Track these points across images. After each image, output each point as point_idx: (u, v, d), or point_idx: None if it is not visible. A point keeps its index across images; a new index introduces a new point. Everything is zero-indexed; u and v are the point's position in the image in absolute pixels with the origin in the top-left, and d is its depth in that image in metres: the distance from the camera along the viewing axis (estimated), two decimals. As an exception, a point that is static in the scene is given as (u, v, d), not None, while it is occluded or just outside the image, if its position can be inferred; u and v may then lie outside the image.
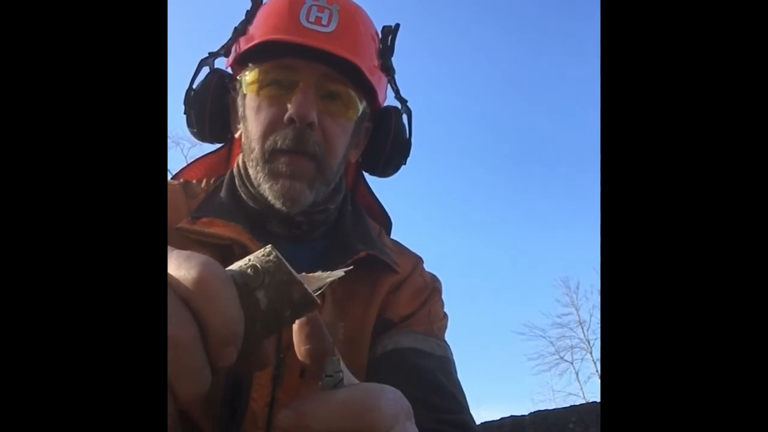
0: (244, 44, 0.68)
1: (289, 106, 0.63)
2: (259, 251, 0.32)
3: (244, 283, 0.30)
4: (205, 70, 0.74)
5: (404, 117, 0.78)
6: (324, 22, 0.65)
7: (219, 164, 0.80)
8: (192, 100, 0.72)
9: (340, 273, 0.34)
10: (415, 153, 0.79)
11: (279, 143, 0.64)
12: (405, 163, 0.79)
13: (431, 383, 0.63)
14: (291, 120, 0.63)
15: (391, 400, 0.31)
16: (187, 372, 0.28)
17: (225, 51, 0.72)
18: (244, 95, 0.68)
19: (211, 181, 0.76)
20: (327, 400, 0.30)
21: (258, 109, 0.66)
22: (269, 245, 0.32)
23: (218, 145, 0.79)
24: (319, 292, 0.33)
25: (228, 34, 0.73)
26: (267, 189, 0.65)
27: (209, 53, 0.74)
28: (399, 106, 0.78)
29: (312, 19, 0.65)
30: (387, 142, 0.76)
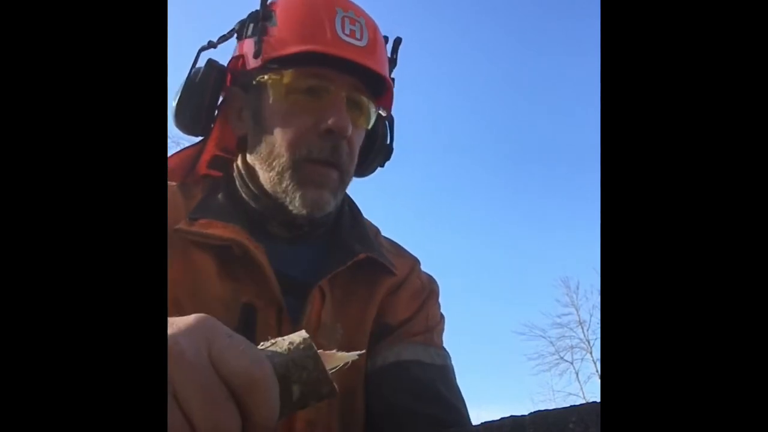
0: (274, 47, 0.67)
1: (329, 116, 0.64)
2: (296, 340, 0.34)
3: (283, 375, 0.33)
4: (194, 64, 0.73)
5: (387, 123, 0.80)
6: (358, 36, 0.66)
7: (190, 158, 0.78)
8: (190, 91, 0.71)
9: (354, 356, 0.36)
10: (414, 153, 0.81)
11: (314, 153, 0.64)
12: (383, 166, 0.82)
13: (433, 397, 0.64)
14: (329, 131, 0.63)
15: None
16: None
17: (254, 50, 0.69)
18: (264, 98, 0.67)
19: (207, 182, 0.76)
20: None
21: (286, 115, 0.65)
22: (306, 335, 0.35)
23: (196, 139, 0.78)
24: (335, 370, 0.35)
25: (227, 29, 0.73)
26: (298, 197, 0.65)
27: (208, 42, 0.73)
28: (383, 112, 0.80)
29: (347, 31, 0.66)
30: (374, 147, 0.78)
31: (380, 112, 0.72)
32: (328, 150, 0.64)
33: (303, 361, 0.33)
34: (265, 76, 0.66)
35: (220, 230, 0.64)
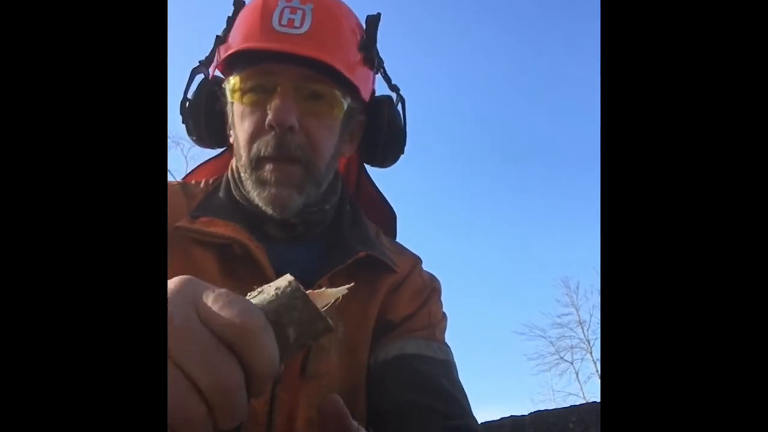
0: (222, 53, 0.68)
1: (269, 111, 0.63)
2: (282, 284, 0.34)
3: (276, 321, 0.33)
4: (199, 78, 0.74)
5: (398, 106, 0.78)
6: (297, 24, 0.65)
7: (222, 168, 0.80)
8: (187, 109, 0.73)
9: (343, 290, 0.36)
10: (415, 152, 0.79)
11: (262, 151, 0.64)
12: (403, 152, 0.79)
13: (437, 390, 0.64)
14: (271, 126, 0.63)
15: None
16: (235, 411, 0.30)
17: (207, 60, 0.72)
18: (231, 103, 0.68)
19: (210, 182, 0.76)
20: None
21: (242, 116, 0.66)
22: (291, 278, 0.34)
23: (219, 150, 0.80)
24: (326, 307, 0.35)
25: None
26: (256, 196, 0.66)
27: (199, 62, 0.74)
28: (392, 95, 0.78)
29: (284, 21, 0.64)
30: (381, 133, 0.75)
31: (350, 101, 0.69)
32: (274, 145, 0.63)
33: (292, 302, 0.33)
34: (226, 83, 0.68)
35: (221, 229, 0.64)
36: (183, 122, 0.73)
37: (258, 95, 0.65)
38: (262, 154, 0.64)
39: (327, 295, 0.36)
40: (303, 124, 0.64)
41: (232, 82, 0.66)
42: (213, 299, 0.31)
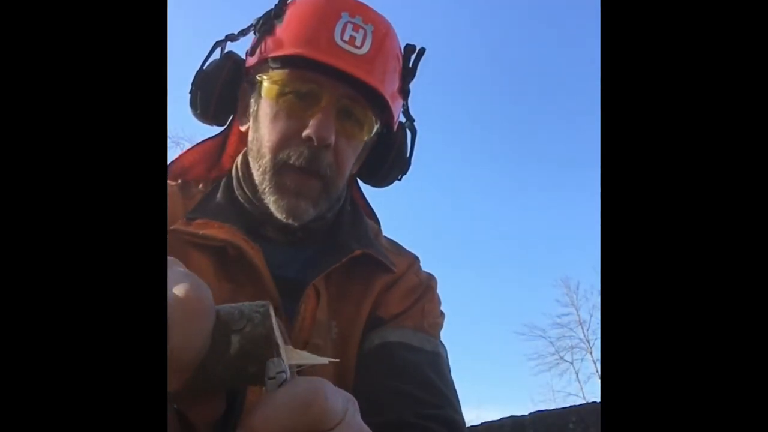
0: (271, 47, 0.67)
1: (311, 122, 0.63)
2: (255, 302, 0.31)
3: (225, 321, 0.30)
4: (217, 53, 0.73)
5: (408, 134, 0.78)
6: (357, 44, 0.64)
7: (214, 150, 0.79)
8: (202, 80, 0.72)
9: (324, 360, 0.32)
10: (418, 151, 0.79)
11: (293, 159, 0.64)
12: (400, 179, 0.80)
13: (416, 377, 0.63)
14: (309, 138, 0.63)
15: (336, 391, 0.29)
16: None
17: (251, 46, 0.71)
18: (260, 96, 0.67)
19: (209, 182, 0.76)
20: (270, 401, 0.28)
21: (275, 117, 0.65)
22: (267, 301, 0.31)
23: (217, 129, 0.79)
24: (302, 368, 0.31)
25: (228, 31, 0.73)
26: (272, 201, 0.66)
27: (226, 35, 0.73)
28: (404, 121, 0.78)
29: (346, 37, 0.64)
30: (388, 158, 0.76)
31: (379, 126, 0.70)
32: (307, 157, 0.63)
33: (250, 313, 0.30)
34: (264, 75, 0.66)
35: (216, 231, 0.64)
36: (191, 92, 0.72)
37: (298, 101, 0.65)
38: (291, 161, 0.64)
39: (303, 356, 0.31)
40: (335, 142, 0.65)
41: (271, 77, 0.65)
42: (178, 273, 0.30)
